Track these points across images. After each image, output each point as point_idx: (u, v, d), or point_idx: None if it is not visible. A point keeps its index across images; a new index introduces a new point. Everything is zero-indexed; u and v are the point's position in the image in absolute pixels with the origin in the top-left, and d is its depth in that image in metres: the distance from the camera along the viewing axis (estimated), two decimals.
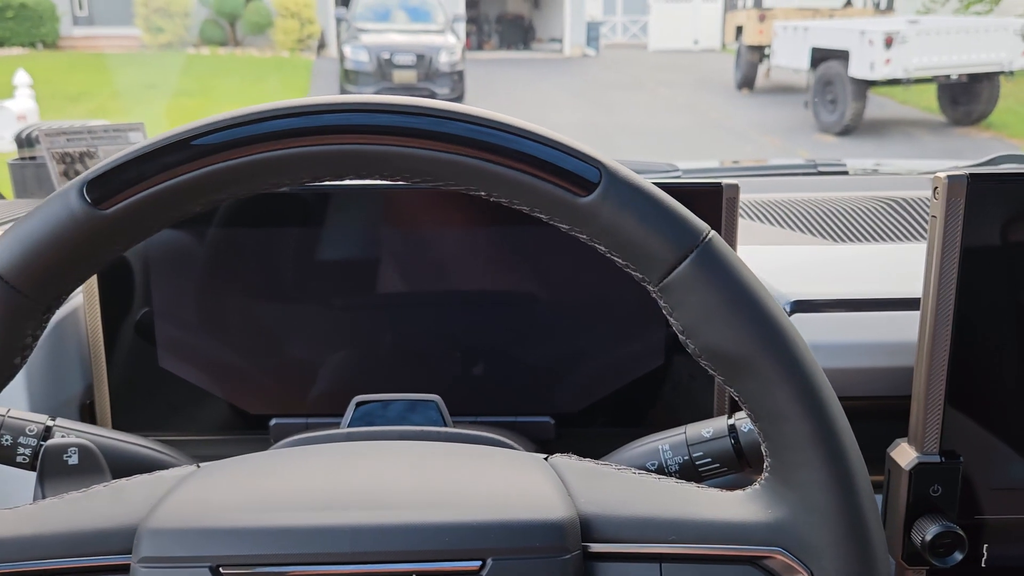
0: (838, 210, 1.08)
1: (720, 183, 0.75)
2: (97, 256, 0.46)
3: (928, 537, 0.66)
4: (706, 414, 0.79)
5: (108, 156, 0.46)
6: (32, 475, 0.76)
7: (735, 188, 0.75)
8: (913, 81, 9.69)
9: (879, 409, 0.75)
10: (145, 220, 0.45)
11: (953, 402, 0.66)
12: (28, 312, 0.45)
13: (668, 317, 0.46)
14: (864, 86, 9.62)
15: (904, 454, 0.68)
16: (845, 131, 9.74)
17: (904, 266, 0.91)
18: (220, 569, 0.45)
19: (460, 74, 11.53)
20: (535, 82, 13.77)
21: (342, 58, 11.63)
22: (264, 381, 0.80)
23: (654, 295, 0.46)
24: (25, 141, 1.25)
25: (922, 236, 1.01)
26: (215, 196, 0.46)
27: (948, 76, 9.72)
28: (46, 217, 0.44)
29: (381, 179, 0.46)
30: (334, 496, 0.49)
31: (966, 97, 10.18)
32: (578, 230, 0.46)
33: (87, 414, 0.81)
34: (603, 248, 0.46)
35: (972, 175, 0.62)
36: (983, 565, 0.70)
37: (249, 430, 0.80)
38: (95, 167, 0.45)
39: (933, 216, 0.64)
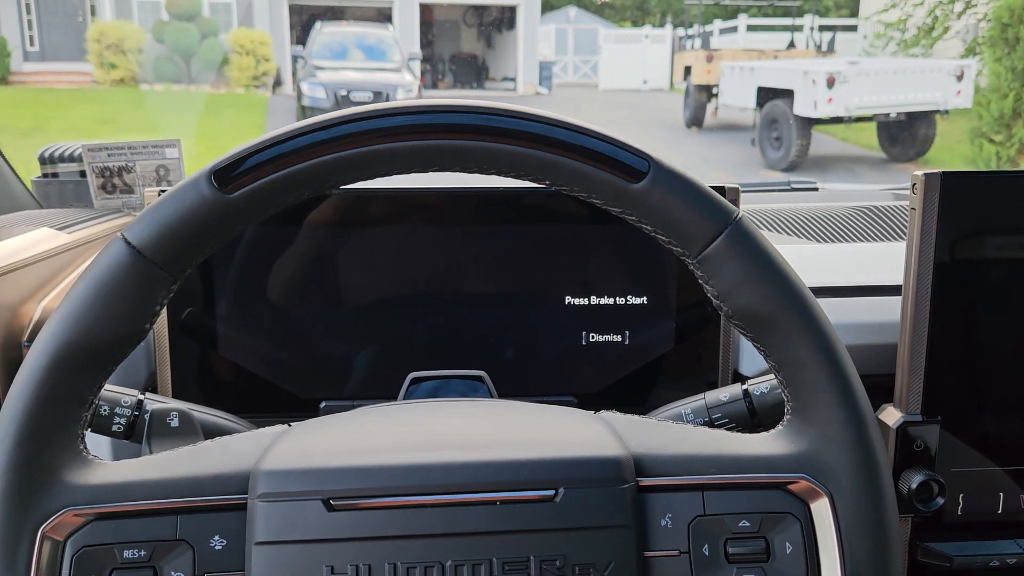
0: (814, 217, 1.19)
1: (724, 186, 0.85)
2: (221, 234, 0.53)
3: (913, 486, 0.76)
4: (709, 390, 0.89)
5: (142, 168, 0.53)
6: (105, 442, 0.83)
7: (736, 191, 0.86)
8: (854, 119, 10.06)
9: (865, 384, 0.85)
10: (262, 204, 0.52)
11: (932, 370, 0.76)
12: (160, 283, 0.52)
13: (704, 284, 0.55)
14: (808, 124, 9.94)
15: (891, 415, 0.78)
16: (790, 167, 10.05)
17: (878, 260, 1.03)
18: (331, 501, 0.52)
19: None
20: None
21: (299, 95, 11.69)
22: (314, 368, 0.87)
23: (691, 266, 0.55)
24: (48, 159, 1.31)
25: (890, 236, 1.13)
26: (324, 184, 0.53)
27: (887, 115, 10.11)
28: (180, 200, 0.51)
29: (464, 171, 0.55)
30: (424, 440, 0.57)
31: (904, 135, 10.60)
32: (628, 212, 0.54)
33: None
34: (648, 228, 0.55)
35: (945, 173, 0.73)
36: (959, 513, 0.80)
37: (301, 412, 0.87)
38: (221, 156, 0.53)
39: (912, 208, 0.75)
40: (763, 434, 0.58)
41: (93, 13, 16.39)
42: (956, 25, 13.80)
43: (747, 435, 0.58)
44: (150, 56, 15.40)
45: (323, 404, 0.87)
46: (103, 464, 0.54)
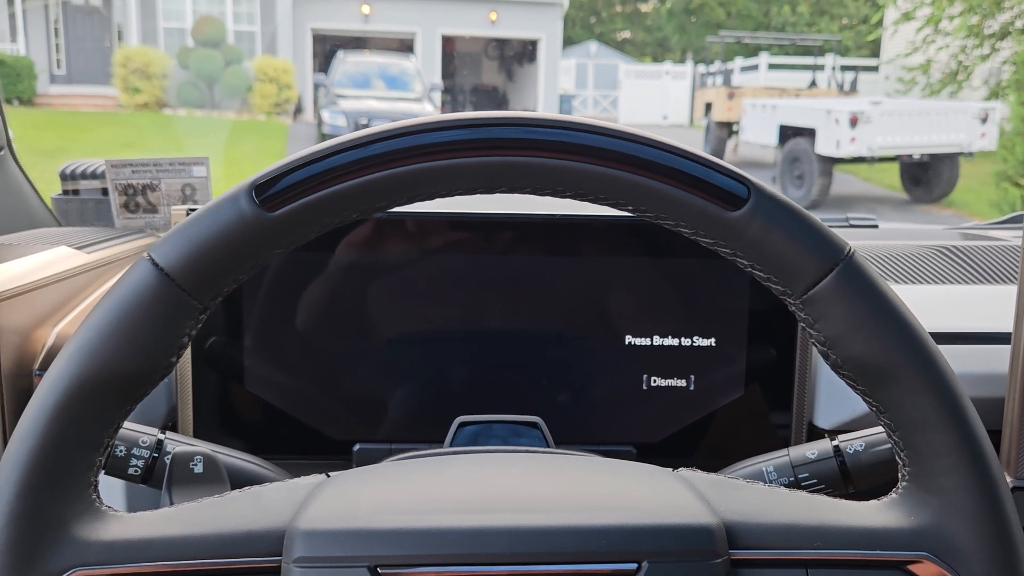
0: (882, 256, 1.11)
1: None
2: (258, 259, 0.46)
3: None
4: (784, 445, 0.81)
5: (167, 187, 0.47)
6: (119, 485, 0.75)
7: None
8: (877, 159, 10.01)
9: None
10: (307, 225, 0.46)
11: None
12: (189, 312, 0.45)
13: (808, 329, 0.48)
14: (830, 163, 9.91)
15: None
16: (812, 206, 9.99)
17: (970, 305, 0.94)
18: (378, 569, 0.45)
19: None
20: None
21: (320, 122, 11.79)
22: (347, 406, 0.80)
23: (793, 307, 0.48)
24: (69, 176, 1.26)
25: (969, 279, 1.05)
26: (377, 204, 0.47)
27: (910, 155, 10.07)
28: (216, 218, 0.45)
29: (536, 192, 0.48)
30: (485, 499, 0.49)
31: (927, 176, 10.54)
32: (722, 244, 0.47)
33: None
34: (744, 262, 0.48)
35: None
36: None
37: (332, 454, 0.80)
38: (264, 170, 0.46)
39: None
40: (874, 503, 0.50)
41: (120, 38, 16.66)
42: (979, 68, 13.77)
43: (854, 503, 0.50)
44: (174, 81, 15.60)
45: (357, 447, 0.80)
46: (118, 517, 0.47)
